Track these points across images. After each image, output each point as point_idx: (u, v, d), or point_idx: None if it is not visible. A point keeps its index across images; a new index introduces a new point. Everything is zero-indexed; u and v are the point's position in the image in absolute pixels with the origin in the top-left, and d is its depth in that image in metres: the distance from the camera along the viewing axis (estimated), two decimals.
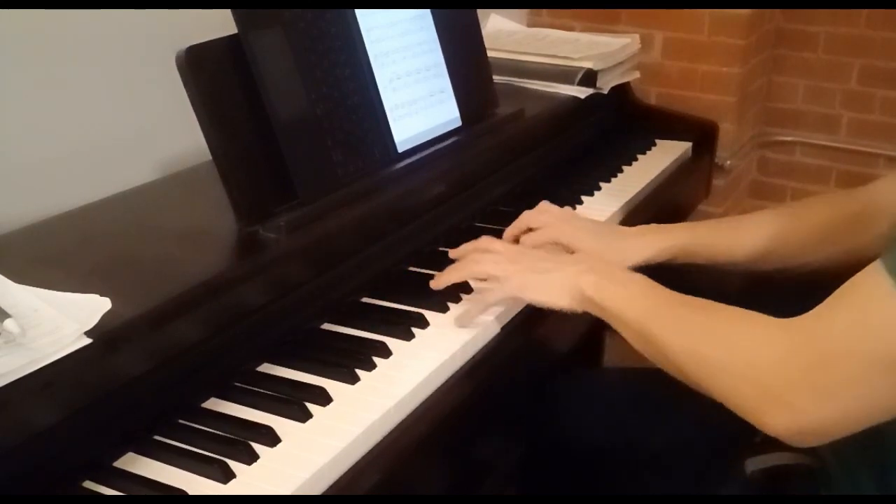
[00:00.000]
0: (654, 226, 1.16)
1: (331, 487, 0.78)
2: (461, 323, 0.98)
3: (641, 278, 0.92)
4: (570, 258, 1.00)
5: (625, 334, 0.89)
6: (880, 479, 0.83)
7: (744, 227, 1.13)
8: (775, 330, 0.77)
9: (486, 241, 1.05)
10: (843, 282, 0.75)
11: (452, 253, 1.06)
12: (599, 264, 0.96)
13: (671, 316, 0.86)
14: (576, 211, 1.30)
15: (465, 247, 1.06)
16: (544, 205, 1.18)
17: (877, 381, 0.71)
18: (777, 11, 2.15)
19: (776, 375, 0.75)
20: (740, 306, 0.82)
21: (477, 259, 1.02)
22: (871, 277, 0.72)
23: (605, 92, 1.64)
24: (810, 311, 0.75)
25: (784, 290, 1.13)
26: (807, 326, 0.75)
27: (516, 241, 1.14)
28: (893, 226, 1.03)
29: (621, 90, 1.73)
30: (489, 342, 1.00)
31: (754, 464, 0.93)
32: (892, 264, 0.70)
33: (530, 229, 1.13)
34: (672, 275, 1.06)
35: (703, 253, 1.12)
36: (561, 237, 1.11)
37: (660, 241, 1.12)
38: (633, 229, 1.17)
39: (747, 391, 0.77)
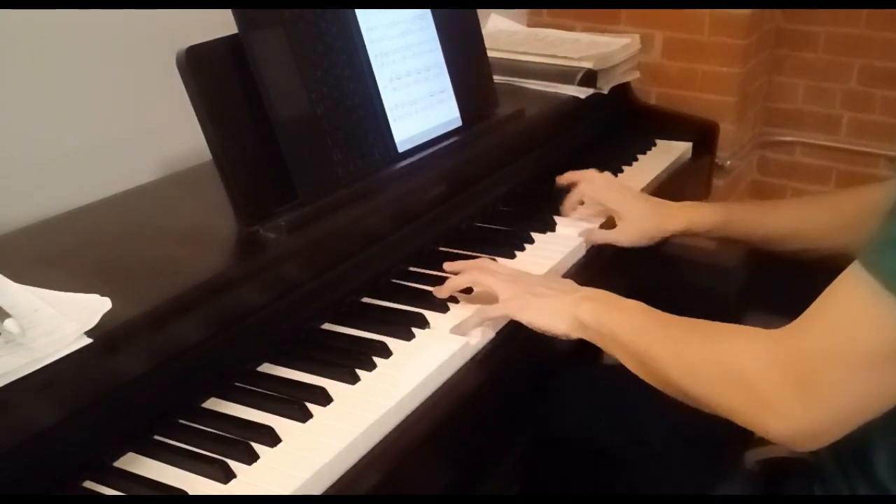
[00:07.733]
0: (693, 202, 1.27)
1: (331, 487, 0.78)
2: (458, 331, 0.99)
3: (637, 304, 0.94)
4: (567, 287, 1.02)
5: (622, 359, 0.92)
6: (870, 474, 0.84)
7: (777, 209, 1.21)
8: (765, 341, 0.79)
9: (484, 261, 1.08)
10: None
11: (448, 266, 1.07)
12: (596, 293, 0.98)
13: (667, 337, 0.88)
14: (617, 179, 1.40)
15: (464, 263, 1.08)
16: (589, 173, 1.30)
17: (862, 379, 0.72)
18: (777, 11, 2.15)
19: (767, 385, 0.77)
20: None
21: (481, 268, 1.04)
22: (848, 279, 0.74)
23: (605, 92, 1.64)
24: (797, 319, 0.77)
25: (782, 290, 1.14)
26: (792, 335, 0.77)
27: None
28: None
29: (621, 90, 1.72)
30: (490, 341, 1.00)
31: (754, 455, 0.95)
32: (871, 260, 0.71)
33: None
34: (674, 275, 1.06)
35: (734, 229, 1.21)
36: (607, 201, 1.24)
37: (698, 214, 1.22)
38: (674, 203, 1.26)
39: (743, 403, 0.79)
